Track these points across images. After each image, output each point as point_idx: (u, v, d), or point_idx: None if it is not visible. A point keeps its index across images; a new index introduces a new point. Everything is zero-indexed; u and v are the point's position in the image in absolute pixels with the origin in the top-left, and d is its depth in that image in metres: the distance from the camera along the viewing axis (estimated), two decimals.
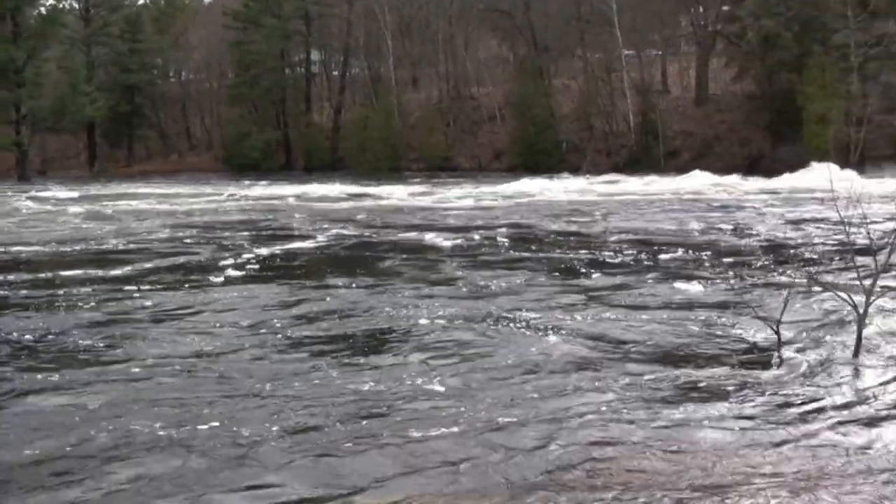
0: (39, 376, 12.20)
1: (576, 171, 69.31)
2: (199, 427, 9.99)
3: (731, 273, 20.41)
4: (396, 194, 50.89)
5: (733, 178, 59.52)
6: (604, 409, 10.56)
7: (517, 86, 78.49)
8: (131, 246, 28.16)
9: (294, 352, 13.62)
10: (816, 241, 26.89)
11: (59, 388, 11.70)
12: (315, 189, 55.38)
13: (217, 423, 10.10)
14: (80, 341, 14.31)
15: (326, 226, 33.96)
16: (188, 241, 29.59)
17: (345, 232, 31.83)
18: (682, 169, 64.64)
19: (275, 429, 9.90)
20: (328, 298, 17.91)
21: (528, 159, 73.71)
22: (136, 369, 12.56)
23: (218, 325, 15.54)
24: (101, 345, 14.10)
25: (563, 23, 79.36)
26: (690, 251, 24.95)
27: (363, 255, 25.76)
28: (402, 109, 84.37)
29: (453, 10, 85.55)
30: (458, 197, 48.87)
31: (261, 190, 57.90)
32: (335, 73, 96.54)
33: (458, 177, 69.60)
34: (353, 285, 19.45)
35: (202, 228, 33.92)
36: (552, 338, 14.16)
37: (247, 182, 66.64)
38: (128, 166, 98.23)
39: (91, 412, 10.59)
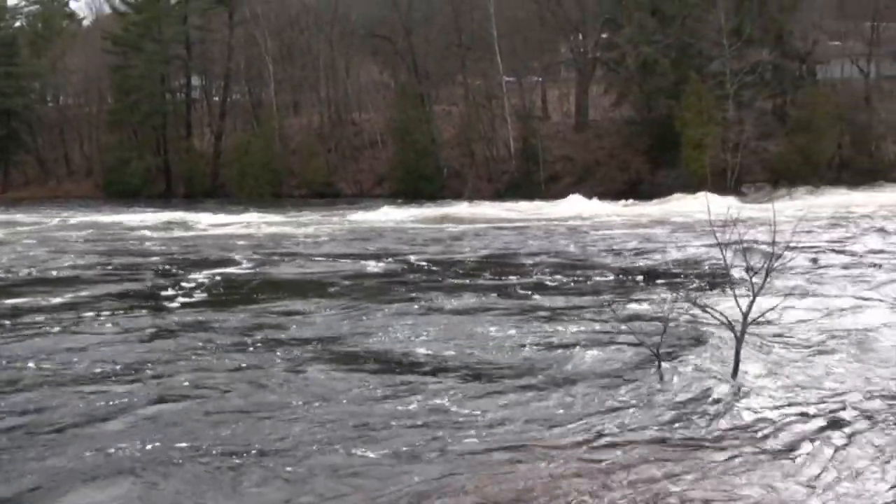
0: None
1: (458, 196, 69.42)
2: None
3: (610, 296, 20.40)
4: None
5: (612, 203, 60.24)
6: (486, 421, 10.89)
7: (398, 111, 78.20)
8: None
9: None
10: (695, 264, 27.09)
11: None
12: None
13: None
14: None
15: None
16: None
17: None
18: (563, 194, 65.11)
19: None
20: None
21: (410, 185, 73.50)
22: None
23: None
24: None
25: (443, 49, 79.40)
26: (570, 274, 24.96)
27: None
28: (284, 135, 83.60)
29: (334, 35, 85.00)
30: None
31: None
32: (216, 98, 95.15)
33: (336, 202, 69.29)
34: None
35: None
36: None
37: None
38: (1, 192, 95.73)
39: None
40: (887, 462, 9.45)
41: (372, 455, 10.01)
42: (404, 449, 10.20)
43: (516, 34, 75.97)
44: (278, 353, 15.33)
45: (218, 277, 26.21)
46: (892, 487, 8.82)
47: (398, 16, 79.88)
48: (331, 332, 17.29)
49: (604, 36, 77.54)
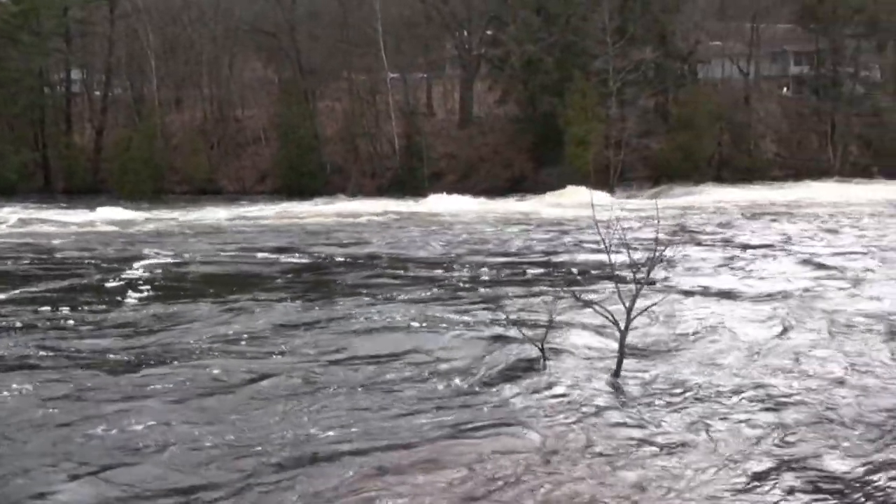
0: None
1: (341, 192, 68.87)
2: None
3: (495, 293, 20.14)
4: None
5: (497, 200, 60.30)
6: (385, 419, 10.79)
7: (281, 108, 77.49)
8: None
9: None
10: (580, 260, 27.01)
11: None
12: None
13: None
14: None
15: None
16: None
17: None
18: (447, 190, 64.94)
19: None
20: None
21: (293, 182, 72.73)
22: None
23: None
24: None
25: (328, 45, 78.64)
26: (453, 272, 24.66)
27: None
28: (166, 131, 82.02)
29: (218, 30, 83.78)
30: None
31: None
32: (97, 92, 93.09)
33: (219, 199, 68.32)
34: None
35: None
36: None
37: None
38: None
39: None
40: (754, 456, 9.53)
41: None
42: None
43: (401, 31, 75.71)
44: None
45: None
46: (752, 480, 8.90)
47: (282, 12, 79.14)
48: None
49: (489, 33, 77.74)
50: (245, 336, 15.58)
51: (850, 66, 74.28)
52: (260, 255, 29.88)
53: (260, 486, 8.75)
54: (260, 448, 9.69)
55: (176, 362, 13.77)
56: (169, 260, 28.39)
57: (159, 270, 25.65)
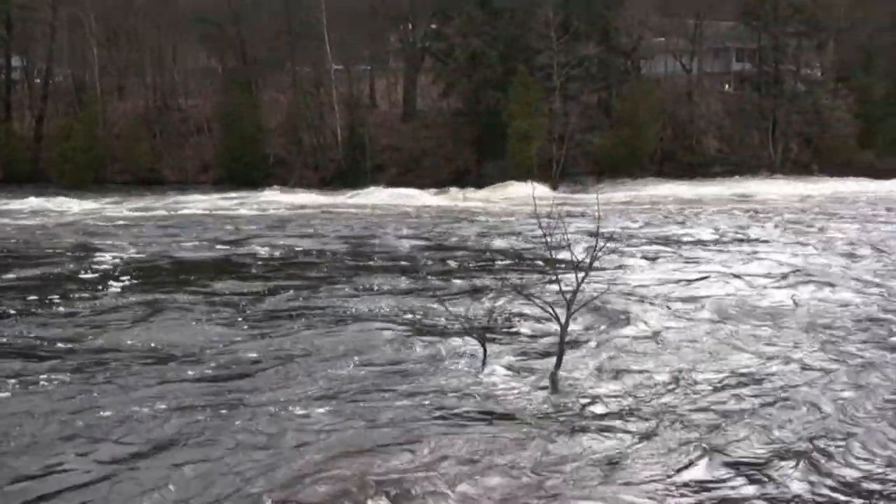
0: None
1: (283, 184, 68.59)
2: None
3: (437, 285, 20.18)
4: None
5: (439, 193, 60.40)
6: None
7: (225, 98, 76.88)
8: None
9: None
10: (522, 253, 27.12)
11: None
12: None
13: None
14: None
15: None
16: None
17: None
18: (390, 183, 64.96)
19: None
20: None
21: (236, 172, 72.18)
22: None
23: None
24: None
25: (273, 36, 78.21)
26: (396, 265, 24.68)
27: None
28: (108, 119, 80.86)
29: (162, 19, 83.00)
30: None
31: None
32: (37, 80, 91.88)
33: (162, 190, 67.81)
34: None
35: None
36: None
37: None
38: None
39: None
40: (688, 443, 9.77)
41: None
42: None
43: (346, 23, 75.35)
44: None
45: None
46: (677, 472, 9.12)
47: (227, 1, 78.51)
48: None
49: (433, 27, 77.69)
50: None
51: (792, 64, 74.97)
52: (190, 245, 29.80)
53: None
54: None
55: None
56: (110, 251, 28.19)
57: (104, 261, 25.49)
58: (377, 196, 57.58)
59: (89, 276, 22.63)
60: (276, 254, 27.74)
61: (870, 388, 11.90)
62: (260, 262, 25.62)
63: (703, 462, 9.23)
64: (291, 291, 19.77)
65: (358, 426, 10.39)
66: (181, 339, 14.98)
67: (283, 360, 13.56)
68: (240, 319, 16.65)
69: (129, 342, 14.89)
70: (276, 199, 55.82)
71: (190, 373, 12.90)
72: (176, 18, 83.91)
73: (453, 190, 63.02)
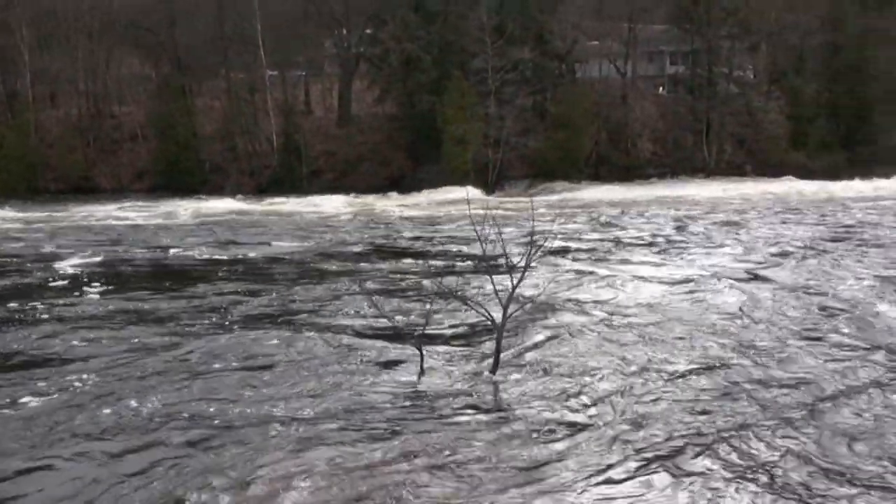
0: None
1: (220, 191, 68.24)
2: None
3: (374, 289, 20.09)
4: None
5: (375, 198, 60.33)
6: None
7: (159, 105, 76.24)
8: None
9: None
10: (458, 257, 27.15)
11: None
12: None
13: None
14: None
15: None
16: None
17: None
18: (325, 189, 64.86)
19: None
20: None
21: (171, 179, 71.80)
22: None
23: None
24: None
25: (207, 42, 77.70)
26: (334, 270, 24.58)
27: None
28: (40, 127, 79.96)
29: (94, 25, 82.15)
30: None
31: None
32: None
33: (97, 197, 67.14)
34: None
35: None
36: None
37: None
38: None
39: None
40: (605, 452, 9.94)
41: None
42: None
43: (280, 28, 75.02)
44: None
45: None
46: (599, 472, 9.37)
47: (161, 7, 77.94)
48: None
49: (368, 32, 77.51)
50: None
51: (725, 67, 75.62)
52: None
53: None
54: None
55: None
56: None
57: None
58: (312, 201, 57.30)
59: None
60: (202, 262, 27.56)
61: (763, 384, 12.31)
62: (187, 271, 25.47)
63: (627, 463, 9.51)
64: (218, 297, 19.66)
65: (294, 434, 10.42)
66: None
67: (212, 367, 13.55)
68: (151, 329, 16.49)
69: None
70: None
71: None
72: (109, 24, 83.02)
73: (389, 195, 63.02)
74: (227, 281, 22.60)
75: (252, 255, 28.84)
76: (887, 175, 63.91)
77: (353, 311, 17.79)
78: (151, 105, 78.74)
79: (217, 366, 13.71)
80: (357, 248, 31.33)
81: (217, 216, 47.84)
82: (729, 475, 9.17)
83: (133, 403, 11.61)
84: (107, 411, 11.31)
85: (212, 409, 11.41)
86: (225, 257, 28.26)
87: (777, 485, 8.96)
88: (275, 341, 15.13)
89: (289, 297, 19.65)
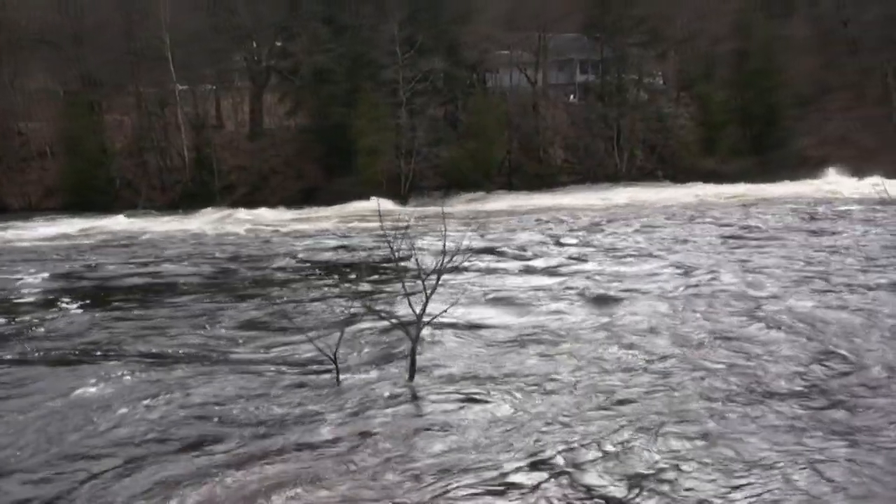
0: None
1: (132, 207, 67.46)
2: None
3: (290, 305, 20.08)
4: None
5: (287, 211, 60.04)
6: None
7: (67, 121, 75.15)
8: None
9: None
10: (372, 269, 27.20)
11: None
12: None
13: None
14: None
15: None
16: None
17: None
18: (239, 203, 64.45)
19: None
20: None
21: (82, 197, 70.54)
22: None
23: None
24: None
25: (115, 56, 76.74)
26: (247, 284, 24.46)
27: None
28: None
29: (0, 40, 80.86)
30: None
31: None
32: None
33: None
34: None
35: None
36: None
37: None
38: None
39: None
40: (510, 457, 10.18)
41: None
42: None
43: (190, 42, 74.28)
44: None
45: None
46: (503, 475, 9.68)
47: (68, 22, 76.91)
48: None
49: (278, 44, 77.17)
50: None
51: (635, 74, 76.44)
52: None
53: None
54: None
55: None
56: None
57: None
58: (227, 216, 56.86)
59: None
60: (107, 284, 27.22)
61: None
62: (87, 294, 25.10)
63: (532, 470, 9.77)
64: (130, 322, 19.48)
65: (215, 451, 10.57)
66: None
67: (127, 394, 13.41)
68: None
69: None
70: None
71: None
72: (15, 39, 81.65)
73: (300, 208, 62.63)
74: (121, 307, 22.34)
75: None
76: (793, 178, 65.07)
77: (268, 329, 17.83)
78: (59, 121, 77.55)
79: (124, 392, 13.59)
80: (271, 265, 31.11)
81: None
82: (619, 478, 9.56)
83: None
84: None
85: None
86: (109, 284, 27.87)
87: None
88: (189, 367, 15.07)
89: (195, 321, 19.48)
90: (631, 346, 15.36)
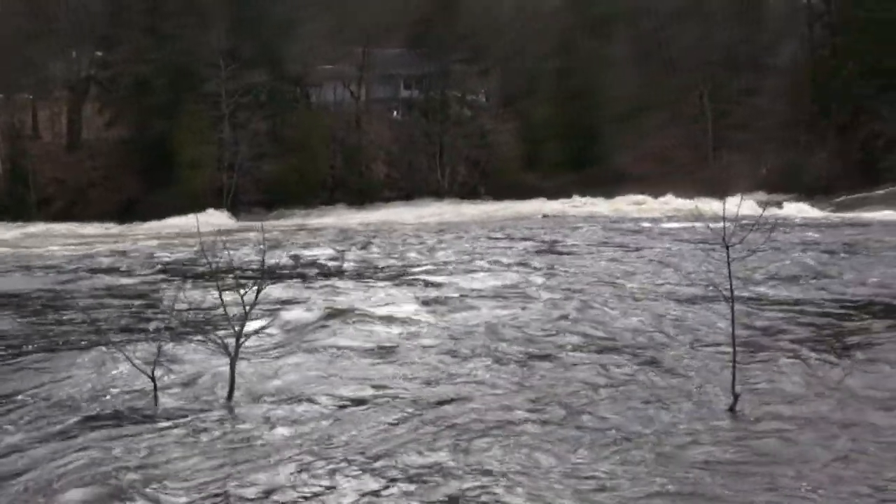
0: None
1: None
2: None
3: (103, 323, 19.49)
4: None
5: (107, 225, 59.12)
6: None
7: None
8: None
9: None
10: (190, 287, 26.65)
11: None
12: None
13: None
14: None
15: None
16: None
17: None
18: (56, 217, 63.18)
19: None
20: None
21: None
22: None
23: None
24: None
25: None
26: (58, 305, 23.75)
27: None
28: None
29: None
30: None
31: None
32: None
33: None
34: None
35: None
36: None
37: None
38: None
39: None
40: (338, 472, 10.09)
41: None
42: None
43: (6, 50, 72.29)
44: None
45: None
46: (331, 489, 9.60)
47: None
48: None
49: (98, 54, 75.73)
50: None
51: (458, 90, 77.37)
52: None
53: None
54: None
55: None
56: None
57: None
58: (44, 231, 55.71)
59: None
60: None
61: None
62: None
63: (362, 483, 9.69)
64: None
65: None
66: None
67: None
68: None
69: None
70: None
71: None
72: None
73: (115, 224, 61.47)
74: None
75: None
76: (610, 195, 66.52)
77: (83, 343, 17.45)
78: None
79: None
80: (80, 282, 30.18)
81: None
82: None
83: None
84: None
85: None
86: None
87: None
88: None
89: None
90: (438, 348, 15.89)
